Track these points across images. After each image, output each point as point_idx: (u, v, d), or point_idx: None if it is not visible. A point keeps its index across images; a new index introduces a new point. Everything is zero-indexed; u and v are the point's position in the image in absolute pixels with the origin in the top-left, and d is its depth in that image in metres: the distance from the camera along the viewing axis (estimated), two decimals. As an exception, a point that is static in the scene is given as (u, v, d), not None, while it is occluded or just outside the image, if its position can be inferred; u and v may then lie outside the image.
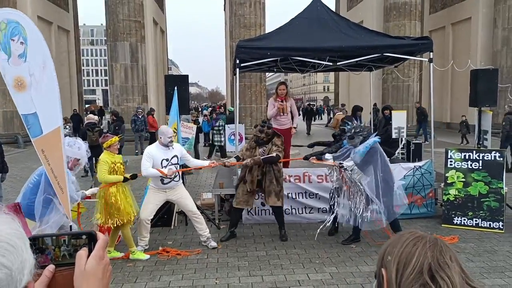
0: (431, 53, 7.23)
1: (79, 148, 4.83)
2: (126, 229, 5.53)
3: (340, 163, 5.65)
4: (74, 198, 4.83)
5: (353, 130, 5.68)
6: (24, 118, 4.55)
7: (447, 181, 6.81)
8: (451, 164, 6.82)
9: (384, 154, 5.76)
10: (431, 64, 7.27)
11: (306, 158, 6.44)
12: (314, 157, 6.29)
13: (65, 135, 8.36)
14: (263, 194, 6.18)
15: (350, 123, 5.81)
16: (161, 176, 5.55)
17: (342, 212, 5.77)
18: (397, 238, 1.07)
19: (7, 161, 7.65)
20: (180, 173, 5.91)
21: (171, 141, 5.66)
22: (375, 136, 5.77)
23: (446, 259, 0.99)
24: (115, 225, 5.37)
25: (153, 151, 5.62)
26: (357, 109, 11.75)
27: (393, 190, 5.70)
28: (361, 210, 5.55)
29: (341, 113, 15.83)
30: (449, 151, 6.92)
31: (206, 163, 6.33)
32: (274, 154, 5.91)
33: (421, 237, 1.05)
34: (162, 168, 5.56)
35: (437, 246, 1.02)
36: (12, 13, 4.57)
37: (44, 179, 4.60)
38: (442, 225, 6.71)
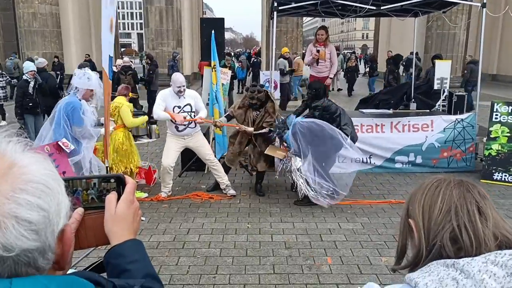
0: (485, -3, 6.68)
1: (89, 78, 4.78)
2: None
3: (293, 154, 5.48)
4: (92, 133, 4.86)
5: (277, 130, 5.47)
6: (109, 60, 4.69)
7: (490, 136, 6.51)
8: (496, 118, 6.49)
9: (309, 126, 5.33)
10: (484, 9, 6.73)
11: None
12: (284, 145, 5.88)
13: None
14: (247, 157, 5.97)
15: (274, 126, 5.55)
16: (172, 121, 5.52)
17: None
18: (418, 186, 1.03)
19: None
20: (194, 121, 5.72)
21: (180, 91, 5.48)
22: (294, 117, 5.49)
23: (475, 195, 0.94)
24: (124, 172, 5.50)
25: (166, 95, 5.52)
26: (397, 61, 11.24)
27: (332, 158, 5.51)
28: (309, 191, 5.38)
29: (299, 57, 15.24)
30: (495, 104, 6.57)
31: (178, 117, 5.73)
32: (266, 130, 5.67)
33: (443, 179, 1.00)
34: None
35: (463, 185, 0.97)
36: None
37: (60, 108, 4.69)
38: (481, 180, 6.49)
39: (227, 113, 6.05)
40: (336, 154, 5.56)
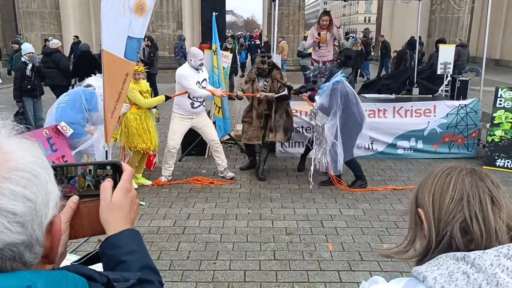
0: (492, -20, 6.55)
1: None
2: (137, 157, 5.53)
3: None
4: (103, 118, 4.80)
5: (313, 73, 5.44)
6: (134, 42, 4.50)
7: (494, 122, 6.44)
8: (500, 104, 6.41)
9: (350, 93, 5.30)
10: (491, -8, 6.60)
11: (299, 92, 6.14)
12: (306, 95, 6.00)
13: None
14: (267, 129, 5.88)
15: (311, 67, 5.52)
16: (194, 100, 5.49)
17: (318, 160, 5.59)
18: (428, 174, 0.98)
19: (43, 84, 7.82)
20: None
21: (202, 64, 5.51)
22: (341, 74, 5.39)
23: (488, 184, 0.89)
24: (137, 151, 5.46)
25: (189, 73, 5.45)
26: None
27: (356, 133, 5.44)
28: (324, 155, 5.41)
29: (285, 41, 15.30)
30: (500, 89, 6.48)
31: (218, 92, 5.95)
32: (286, 92, 5.64)
33: (454, 167, 0.95)
34: None
35: (475, 173, 0.91)
36: None
37: (80, 92, 4.70)
38: (483, 167, 6.45)
39: (240, 89, 6.08)
40: (356, 135, 5.48)
